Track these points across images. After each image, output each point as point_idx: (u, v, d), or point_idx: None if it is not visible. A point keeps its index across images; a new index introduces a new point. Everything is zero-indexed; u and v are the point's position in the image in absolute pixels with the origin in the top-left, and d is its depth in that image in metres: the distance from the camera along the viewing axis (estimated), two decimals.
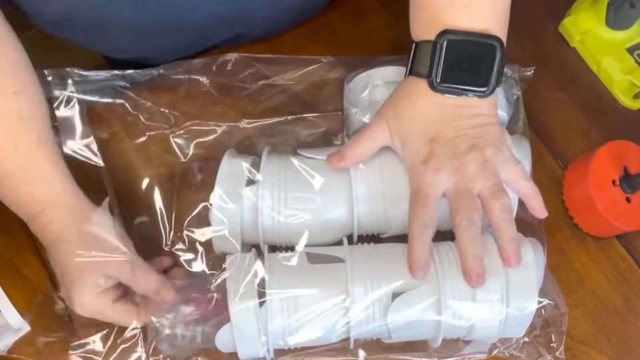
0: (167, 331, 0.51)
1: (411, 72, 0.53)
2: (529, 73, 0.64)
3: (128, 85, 0.61)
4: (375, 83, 0.59)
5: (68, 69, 0.58)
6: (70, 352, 0.53)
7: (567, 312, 0.54)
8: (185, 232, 0.55)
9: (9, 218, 0.53)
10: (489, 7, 0.52)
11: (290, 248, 0.53)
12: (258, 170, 0.54)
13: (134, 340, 0.53)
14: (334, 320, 0.49)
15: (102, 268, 0.50)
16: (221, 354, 0.52)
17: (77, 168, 0.56)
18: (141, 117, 0.61)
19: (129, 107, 0.61)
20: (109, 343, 0.53)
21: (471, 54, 0.51)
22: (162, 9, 0.60)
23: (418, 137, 0.52)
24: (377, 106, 0.55)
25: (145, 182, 0.58)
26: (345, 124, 0.61)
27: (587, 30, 0.72)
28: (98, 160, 0.57)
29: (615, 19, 0.71)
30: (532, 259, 0.49)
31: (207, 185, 0.54)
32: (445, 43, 0.51)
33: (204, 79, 0.63)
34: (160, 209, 0.56)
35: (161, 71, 0.62)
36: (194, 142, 0.59)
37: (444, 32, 0.51)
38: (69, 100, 0.57)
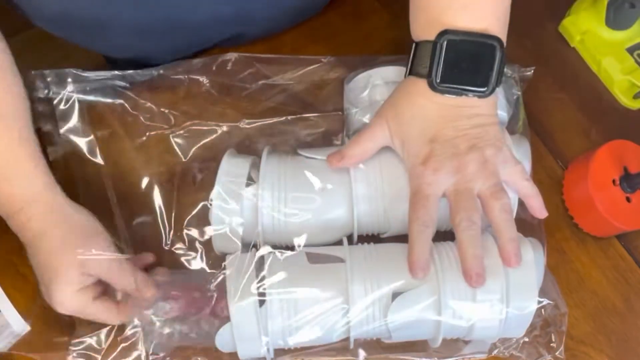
0: (148, 327, 0.51)
1: (411, 72, 0.53)
2: (529, 73, 0.64)
3: (128, 85, 0.61)
4: (375, 83, 0.59)
5: (68, 69, 0.58)
6: (70, 349, 0.53)
7: (567, 312, 0.54)
8: (185, 231, 0.55)
9: None
10: (488, 7, 0.52)
11: (290, 248, 0.53)
12: (258, 170, 0.54)
13: (134, 338, 0.52)
14: (334, 320, 0.49)
15: (81, 266, 0.50)
16: (221, 354, 0.52)
17: (76, 168, 0.56)
18: (141, 117, 0.61)
19: (128, 107, 0.61)
20: (109, 341, 0.53)
21: (471, 54, 0.51)
22: (162, 9, 0.60)
23: (418, 137, 0.52)
24: (377, 106, 0.55)
25: (145, 182, 0.58)
26: (345, 124, 0.61)
27: (587, 30, 0.72)
28: (98, 160, 0.57)
29: (615, 19, 0.71)
30: (532, 259, 0.49)
31: (207, 185, 0.54)
32: (445, 43, 0.51)
33: (203, 79, 0.63)
34: (160, 208, 0.56)
35: (161, 71, 0.62)
36: (194, 142, 0.59)
37: (444, 32, 0.51)
38: (68, 100, 0.57)
